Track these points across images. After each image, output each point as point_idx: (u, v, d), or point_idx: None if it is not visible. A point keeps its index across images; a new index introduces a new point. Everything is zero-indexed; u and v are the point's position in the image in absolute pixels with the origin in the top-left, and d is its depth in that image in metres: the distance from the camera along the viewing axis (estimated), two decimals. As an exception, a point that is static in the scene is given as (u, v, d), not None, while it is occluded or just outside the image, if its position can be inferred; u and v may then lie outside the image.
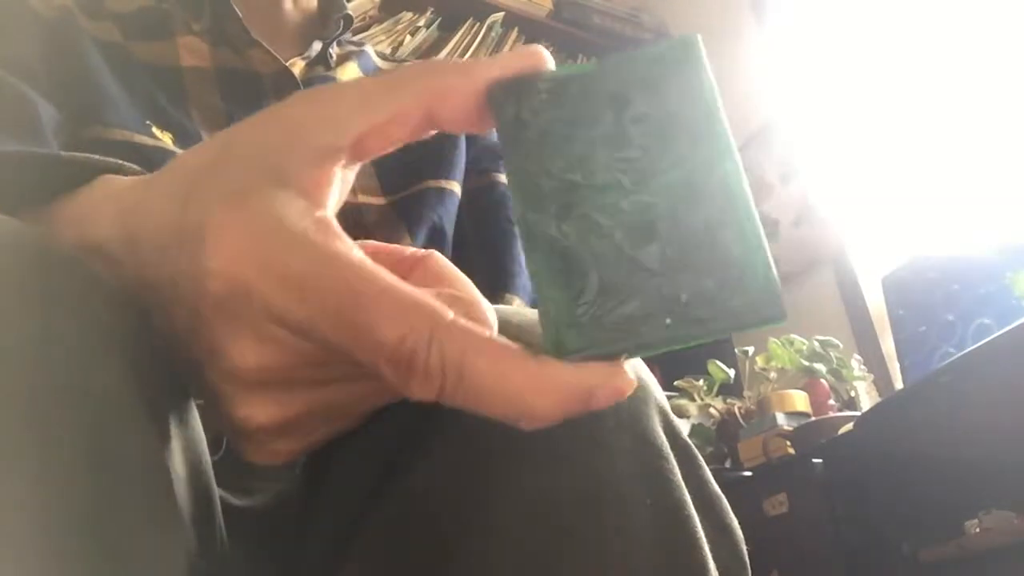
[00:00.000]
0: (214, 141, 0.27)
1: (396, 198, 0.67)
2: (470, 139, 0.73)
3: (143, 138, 0.58)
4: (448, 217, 0.66)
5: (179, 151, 0.58)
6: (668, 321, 0.23)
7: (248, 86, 0.66)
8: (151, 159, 0.57)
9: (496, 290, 0.64)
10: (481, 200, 0.70)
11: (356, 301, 0.23)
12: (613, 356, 0.23)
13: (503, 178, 0.73)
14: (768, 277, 0.23)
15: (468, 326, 0.23)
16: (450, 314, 0.23)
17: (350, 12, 0.74)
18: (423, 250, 0.30)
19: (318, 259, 0.23)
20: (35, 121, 0.52)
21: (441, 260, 0.30)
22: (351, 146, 0.26)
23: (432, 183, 0.68)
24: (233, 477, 0.47)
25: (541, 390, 0.23)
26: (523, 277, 0.66)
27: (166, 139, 0.59)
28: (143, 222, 0.27)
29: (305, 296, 0.23)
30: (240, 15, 0.66)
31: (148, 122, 0.59)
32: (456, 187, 0.69)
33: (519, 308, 0.39)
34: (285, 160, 0.25)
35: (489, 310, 0.29)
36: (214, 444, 0.47)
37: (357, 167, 0.28)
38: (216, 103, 0.64)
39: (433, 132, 0.27)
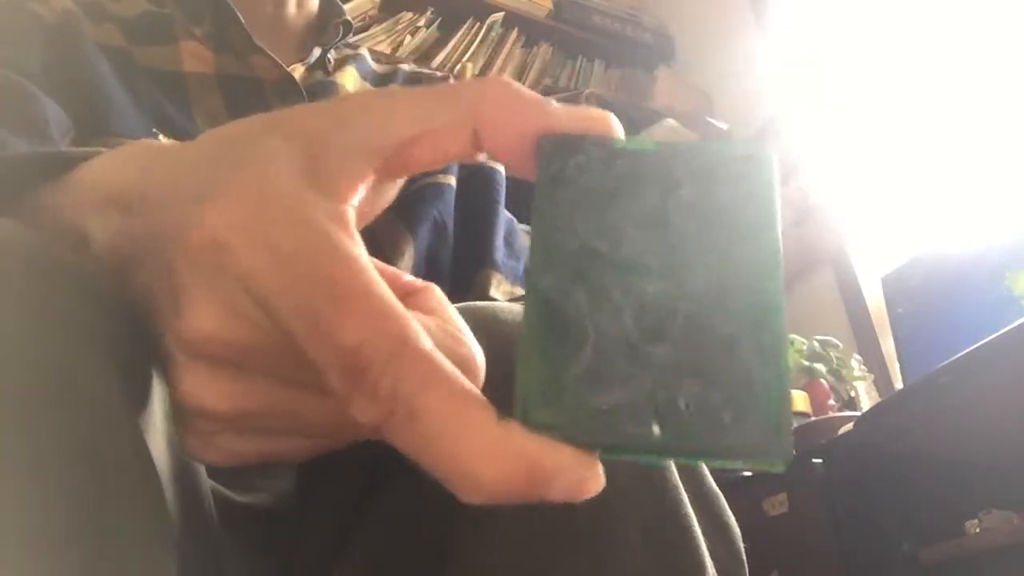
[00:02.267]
0: (259, 118, 0.25)
1: (397, 199, 0.67)
2: None
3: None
4: (447, 211, 0.66)
5: None
6: (655, 428, 0.20)
7: (251, 92, 0.66)
8: None
9: (477, 264, 0.64)
10: (470, 183, 0.70)
11: (330, 289, 0.21)
12: (585, 447, 0.21)
13: (489, 161, 0.73)
14: (780, 414, 0.20)
15: (438, 359, 0.21)
16: (424, 341, 0.21)
17: (349, 18, 0.74)
18: (422, 281, 0.28)
19: (311, 237, 0.21)
20: (43, 121, 0.52)
21: (439, 295, 0.27)
22: (395, 150, 0.24)
23: (430, 179, 0.68)
24: (235, 474, 0.47)
25: (491, 455, 0.20)
26: (503, 253, 0.66)
27: None
28: (155, 177, 0.26)
29: (282, 264, 0.21)
30: (243, 20, 0.66)
31: (154, 129, 0.59)
32: (452, 180, 0.69)
33: (511, 306, 0.37)
34: (322, 147, 0.23)
35: (479, 358, 0.25)
36: None
37: (399, 182, 0.26)
38: (219, 110, 0.65)
39: (482, 158, 0.25)
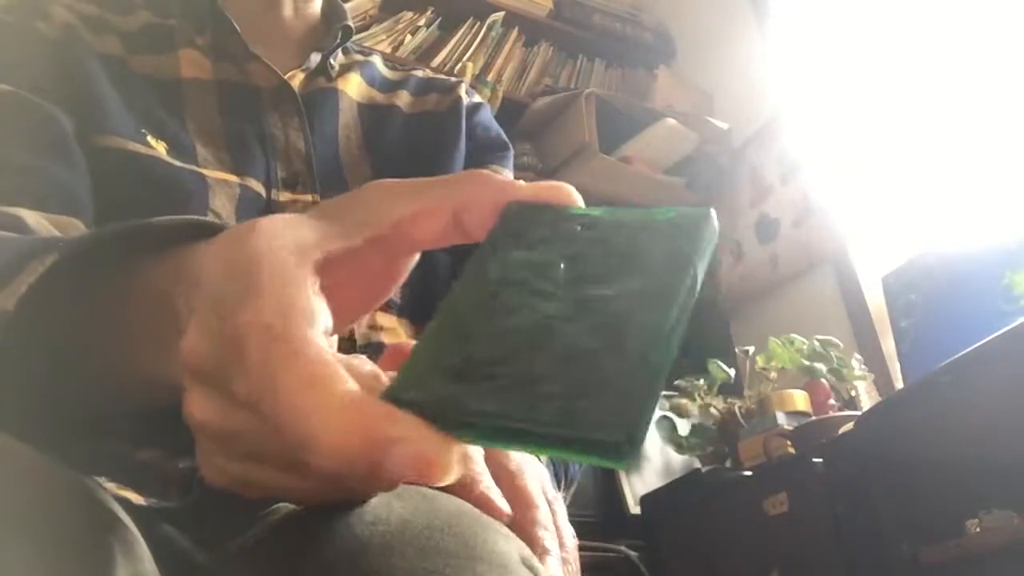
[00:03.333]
0: (318, 206, 0.31)
1: None
2: (469, 134, 0.74)
3: (137, 146, 0.59)
4: None
5: (172, 161, 0.59)
6: (503, 410, 0.21)
7: (247, 99, 0.67)
8: (144, 167, 0.58)
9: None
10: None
11: (249, 284, 0.24)
12: (435, 423, 0.22)
13: (499, 169, 0.74)
14: (625, 416, 0.21)
15: (308, 338, 0.23)
16: (305, 329, 0.23)
17: (350, 23, 0.74)
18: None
19: (255, 252, 0.25)
20: (66, 138, 0.56)
21: (407, 346, 0.31)
22: (391, 226, 0.28)
23: None
24: (197, 525, 0.47)
25: (331, 417, 0.21)
26: None
27: (160, 148, 0.60)
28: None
29: (227, 274, 0.25)
30: (239, 30, 0.67)
31: (143, 130, 0.60)
32: None
33: None
34: (334, 218, 0.28)
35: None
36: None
37: (409, 259, 0.31)
38: (212, 115, 0.65)
39: (470, 242, 0.29)
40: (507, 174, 0.74)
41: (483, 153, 0.74)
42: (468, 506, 0.36)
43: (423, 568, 0.31)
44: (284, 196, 0.64)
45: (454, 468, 0.22)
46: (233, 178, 0.62)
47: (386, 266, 0.30)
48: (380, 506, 0.34)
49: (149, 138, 0.60)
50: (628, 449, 0.20)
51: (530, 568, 0.35)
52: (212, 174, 0.61)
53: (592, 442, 0.20)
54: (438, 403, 0.22)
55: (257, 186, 0.63)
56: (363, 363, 0.27)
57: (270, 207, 0.63)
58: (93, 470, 0.45)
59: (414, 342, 0.32)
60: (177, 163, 0.60)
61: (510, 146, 0.78)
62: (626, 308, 0.24)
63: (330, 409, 0.21)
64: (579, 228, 0.27)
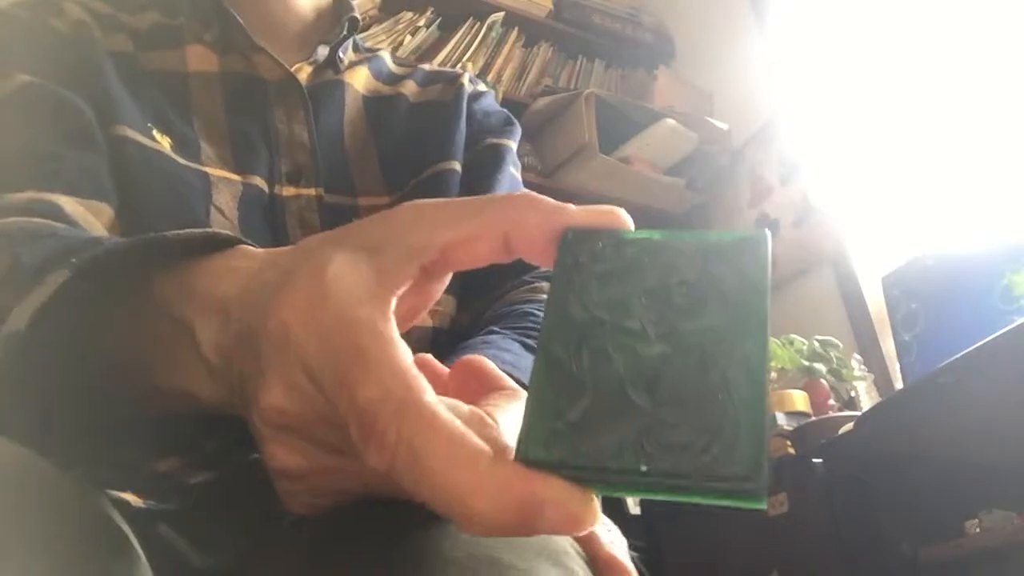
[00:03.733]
0: (332, 232, 0.30)
1: (401, 194, 0.67)
2: (469, 119, 0.74)
3: (144, 139, 0.59)
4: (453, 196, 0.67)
5: (176, 157, 0.59)
6: (641, 464, 0.22)
7: (252, 91, 0.67)
8: (150, 160, 0.58)
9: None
10: (476, 162, 0.71)
11: (356, 357, 0.25)
12: (575, 482, 0.23)
13: (495, 140, 0.73)
14: (759, 454, 0.22)
15: (437, 412, 0.24)
16: (427, 395, 0.24)
17: (357, 15, 0.74)
18: (458, 361, 0.33)
19: (349, 315, 0.26)
20: (89, 126, 0.57)
21: (505, 400, 0.31)
22: (440, 251, 0.28)
23: (435, 168, 0.68)
24: (199, 530, 0.48)
25: (484, 489, 0.23)
26: None
27: (165, 143, 0.60)
28: (254, 283, 0.30)
29: (321, 336, 0.26)
30: (243, 23, 0.67)
31: (149, 125, 0.60)
32: (457, 165, 0.69)
33: None
34: (379, 249, 0.28)
35: (501, 439, 0.27)
36: None
37: (445, 279, 0.31)
38: (218, 110, 0.65)
39: (512, 259, 0.29)
40: (512, 145, 0.74)
41: (484, 133, 0.73)
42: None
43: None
44: (288, 191, 0.64)
45: (597, 519, 0.23)
46: (235, 177, 0.62)
47: (426, 286, 0.31)
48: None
49: (155, 132, 0.60)
50: (762, 492, 0.21)
51: None
52: (215, 172, 0.61)
53: (730, 491, 0.22)
54: (574, 462, 0.23)
55: (260, 183, 0.63)
56: (459, 406, 0.28)
57: (273, 202, 0.63)
58: (104, 481, 0.45)
59: (477, 356, 0.34)
60: (181, 161, 0.60)
61: (515, 122, 0.77)
62: (721, 339, 0.24)
63: (481, 482, 0.23)
64: (643, 255, 0.27)
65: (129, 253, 0.33)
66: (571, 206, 0.29)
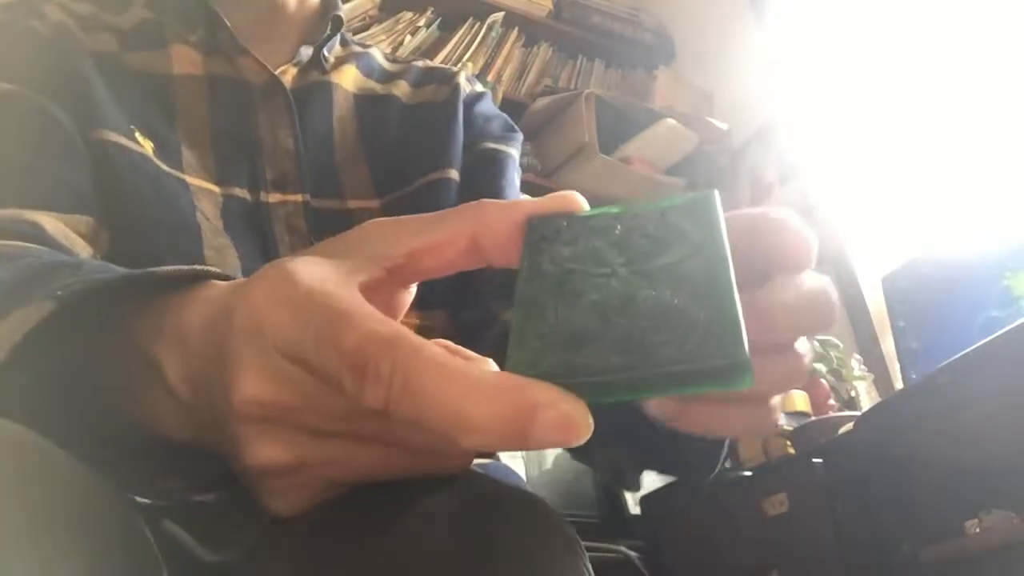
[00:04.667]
0: (304, 250, 0.31)
1: (391, 198, 0.66)
2: (468, 124, 0.72)
3: (127, 141, 0.59)
4: (450, 206, 0.66)
5: (159, 162, 0.59)
6: (628, 362, 0.24)
7: (237, 94, 0.66)
8: (135, 163, 0.58)
9: None
10: (476, 169, 0.69)
11: (335, 314, 0.25)
12: (575, 390, 0.24)
13: (495, 145, 0.71)
14: (736, 335, 0.23)
15: (423, 343, 0.24)
16: (411, 336, 0.25)
17: (341, 13, 0.73)
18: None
19: (320, 289, 0.26)
20: (69, 136, 0.56)
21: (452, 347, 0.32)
22: (406, 256, 0.30)
23: (430, 176, 0.67)
24: (208, 526, 0.47)
25: (478, 396, 0.23)
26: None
27: (147, 147, 0.60)
28: (217, 304, 0.31)
29: (298, 314, 0.26)
30: (228, 25, 0.66)
31: (132, 127, 0.60)
32: (454, 173, 0.68)
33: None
34: (344, 256, 0.29)
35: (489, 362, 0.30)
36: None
37: (412, 289, 0.32)
38: (202, 115, 0.65)
39: (483, 265, 0.30)
40: (513, 153, 0.72)
41: (483, 140, 0.71)
42: None
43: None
44: (274, 197, 0.63)
45: (591, 427, 0.23)
46: (215, 188, 0.62)
47: (394, 294, 0.32)
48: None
49: (138, 135, 0.60)
50: (744, 367, 0.23)
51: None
52: (195, 182, 0.61)
53: (715, 369, 0.23)
54: (564, 369, 0.24)
55: (242, 193, 0.62)
56: (447, 343, 0.29)
57: (259, 209, 0.62)
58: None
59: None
60: (163, 166, 0.60)
61: (517, 129, 0.75)
62: (689, 269, 0.26)
63: (474, 389, 0.23)
64: (604, 221, 0.29)
65: (112, 289, 0.33)
66: (527, 198, 0.31)
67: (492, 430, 0.23)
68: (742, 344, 0.23)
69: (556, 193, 0.30)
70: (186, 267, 0.33)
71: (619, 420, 0.38)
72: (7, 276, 0.35)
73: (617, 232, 0.28)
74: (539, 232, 0.29)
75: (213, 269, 0.34)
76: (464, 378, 0.23)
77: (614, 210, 0.30)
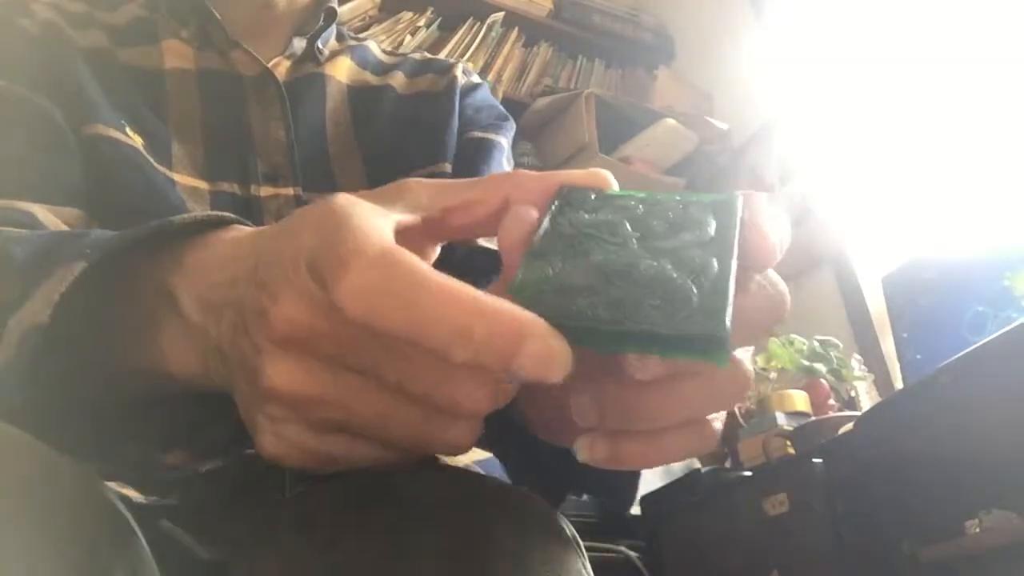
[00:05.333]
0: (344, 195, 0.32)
1: None
2: (460, 113, 0.72)
3: (118, 134, 0.59)
4: None
5: (148, 157, 0.59)
6: (609, 314, 0.26)
7: (229, 88, 0.66)
8: (126, 156, 0.58)
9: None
10: (460, 158, 0.69)
11: (362, 236, 0.26)
12: (563, 332, 0.25)
13: (482, 134, 0.71)
14: (722, 314, 0.25)
15: (422, 263, 0.26)
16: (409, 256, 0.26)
17: (334, 5, 0.73)
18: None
19: (348, 213, 0.27)
20: (60, 130, 0.57)
21: None
22: (440, 211, 0.31)
23: (425, 170, 0.67)
24: (198, 522, 0.48)
25: (482, 312, 0.24)
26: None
27: (137, 142, 0.60)
28: (253, 241, 0.32)
29: (328, 238, 0.27)
30: (219, 18, 0.66)
31: (123, 122, 0.60)
32: (448, 167, 0.68)
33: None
34: (385, 202, 0.30)
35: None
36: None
37: (437, 249, 0.34)
38: (194, 109, 0.65)
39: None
40: (501, 141, 0.72)
41: (471, 128, 0.71)
42: None
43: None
44: (266, 191, 0.63)
45: (569, 367, 0.25)
46: (203, 185, 0.62)
47: (423, 246, 0.33)
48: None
49: (128, 130, 0.60)
50: (723, 342, 0.25)
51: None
52: (183, 180, 0.61)
53: (697, 337, 0.25)
54: (557, 312, 0.26)
55: (231, 188, 0.62)
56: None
57: (250, 203, 0.62)
58: (110, 475, 0.45)
59: None
60: (152, 161, 0.60)
61: (508, 118, 0.75)
62: (696, 255, 0.28)
63: (480, 306, 0.25)
64: (629, 201, 0.31)
65: (138, 241, 0.34)
66: (562, 171, 0.32)
67: (487, 346, 0.24)
68: (725, 323, 0.25)
69: (590, 169, 0.32)
70: (206, 213, 0.34)
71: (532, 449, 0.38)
72: (23, 252, 0.36)
73: (639, 212, 0.30)
74: (567, 199, 0.31)
75: (232, 216, 0.35)
76: (473, 296, 0.25)
77: (641, 194, 0.31)
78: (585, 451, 0.31)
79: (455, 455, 0.33)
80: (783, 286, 0.32)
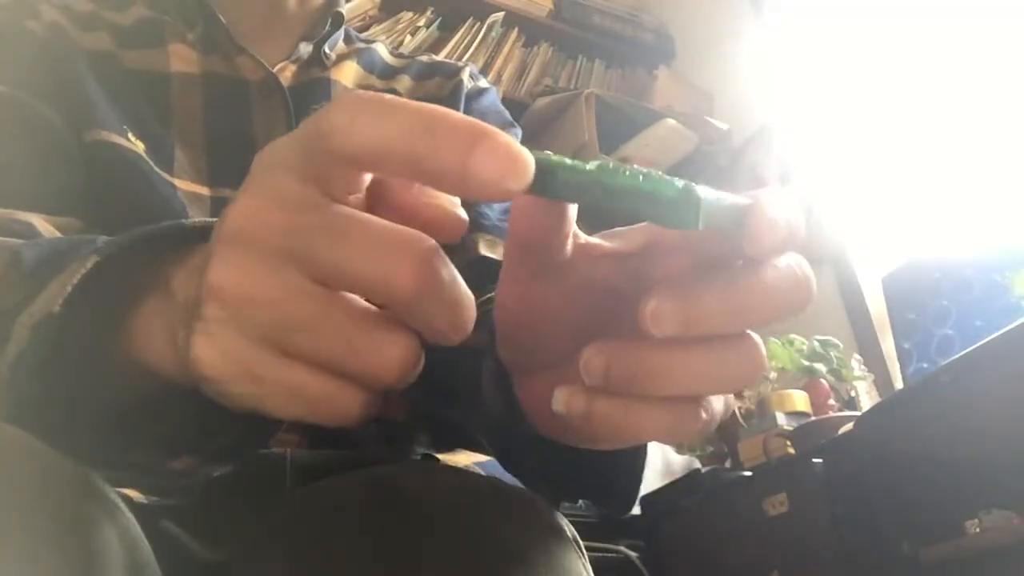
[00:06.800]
0: None
1: None
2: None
3: (120, 139, 0.59)
4: None
5: (150, 162, 0.59)
6: (596, 170, 0.27)
7: (234, 92, 0.66)
8: (128, 161, 0.58)
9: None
10: None
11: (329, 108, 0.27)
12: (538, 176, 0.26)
13: None
14: (689, 187, 0.27)
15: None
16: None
17: (342, 9, 0.73)
18: None
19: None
20: (61, 138, 0.57)
21: None
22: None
23: None
24: (199, 522, 0.48)
25: (442, 113, 0.25)
26: (496, 215, 0.67)
27: (139, 147, 0.60)
28: None
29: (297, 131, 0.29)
30: (224, 23, 0.66)
31: (125, 127, 0.60)
32: None
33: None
34: None
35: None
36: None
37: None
38: (197, 115, 0.65)
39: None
40: None
41: None
42: None
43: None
44: None
45: (529, 178, 0.25)
46: (204, 191, 0.62)
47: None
48: None
49: (130, 135, 0.60)
50: (699, 203, 0.26)
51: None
52: (185, 186, 0.61)
53: (673, 195, 0.26)
54: (546, 157, 0.26)
55: (233, 195, 0.63)
56: None
57: None
58: (116, 480, 0.45)
59: None
60: (154, 167, 0.60)
61: (515, 124, 0.75)
62: (647, 185, 0.28)
63: (447, 111, 0.25)
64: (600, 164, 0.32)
65: (149, 239, 0.34)
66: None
67: (447, 139, 0.24)
68: (699, 196, 0.26)
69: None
70: (214, 219, 0.34)
71: (531, 446, 0.38)
72: (33, 255, 0.36)
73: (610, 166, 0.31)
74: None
75: None
76: (442, 108, 0.25)
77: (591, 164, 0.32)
78: (562, 401, 0.30)
79: (364, 414, 0.29)
80: (810, 271, 0.32)
